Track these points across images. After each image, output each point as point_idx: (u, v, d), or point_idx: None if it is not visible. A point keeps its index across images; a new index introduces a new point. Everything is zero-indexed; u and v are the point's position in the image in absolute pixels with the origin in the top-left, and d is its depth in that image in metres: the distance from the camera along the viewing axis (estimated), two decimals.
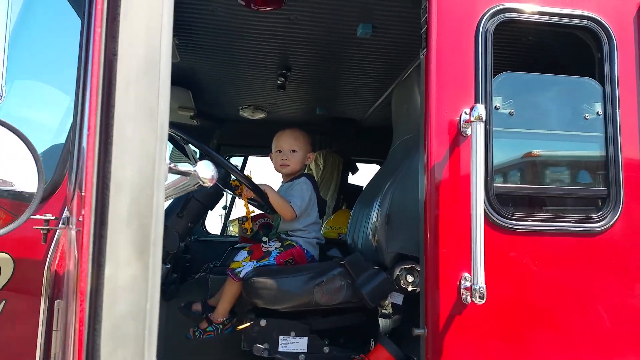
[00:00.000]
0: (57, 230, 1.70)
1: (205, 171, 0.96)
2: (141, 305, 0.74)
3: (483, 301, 1.59)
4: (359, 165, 4.45)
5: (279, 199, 2.28)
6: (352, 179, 4.35)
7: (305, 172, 2.68)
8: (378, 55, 2.84)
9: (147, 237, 0.75)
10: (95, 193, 0.74)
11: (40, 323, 1.60)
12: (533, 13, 1.83)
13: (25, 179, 1.22)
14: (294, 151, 2.50)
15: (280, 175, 2.60)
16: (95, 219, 0.74)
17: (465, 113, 1.71)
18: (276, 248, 2.24)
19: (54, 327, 1.59)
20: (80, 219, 0.83)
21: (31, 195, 1.18)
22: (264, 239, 2.31)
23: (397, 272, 1.96)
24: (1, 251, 1.69)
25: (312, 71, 3.16)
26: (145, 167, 0.75)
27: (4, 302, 1.68)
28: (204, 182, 0.95)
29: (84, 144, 0.92)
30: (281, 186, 2.52)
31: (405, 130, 2.45)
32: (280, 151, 2.53)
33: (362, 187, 4.50)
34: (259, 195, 2.27)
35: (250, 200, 2.57)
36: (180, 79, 3.27)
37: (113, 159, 0.74)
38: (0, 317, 1.67)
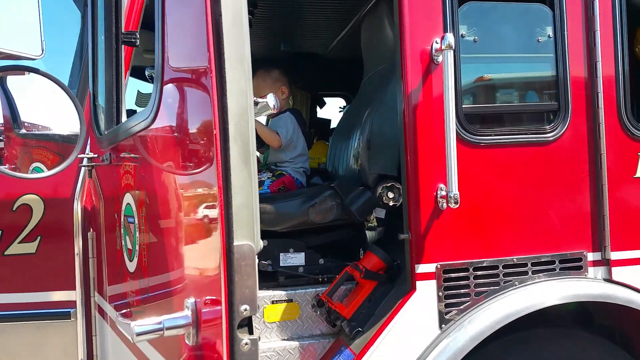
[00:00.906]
0: (82, 171, 1.85)
1: (271, 101, 1.22)
2: (249, 199, 0.99)
3: (457, 206, 1.89)
4: (326, 99, 4.64)
5: (266, 129, 2.49)
6: (320, 113, 4.55)
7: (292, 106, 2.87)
8: None
9: (247, 151, 0.97)
10: (220, 122, 0.95)
11: (76, 253, 1.81)
12: None
13: (63, 124, 1.37)
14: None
15: None
16: (221, 140, 0.96)
17: (437, 42, 1.94)
18: (268, 178, 2.47)
19: (90, 255, 1.79)
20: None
21: (74, 137, 1.34)
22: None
23: (379, 190, 2.23)
24: (31, 193, 1.84)
25: (276, 6, 3.25)
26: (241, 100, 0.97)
27: (39, 238, 1.86)
28: (271, 109, 1.22)
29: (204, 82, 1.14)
30: (269, 123, 2.72)
31: (377, 61, 2.65)
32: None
33: (330, 120, 4.73)
34: None
35: None
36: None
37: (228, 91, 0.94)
38: (38, 252, 1.86)
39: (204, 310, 1.28)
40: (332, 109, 5.06)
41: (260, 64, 3.74)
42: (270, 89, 2.67)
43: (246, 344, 1.13)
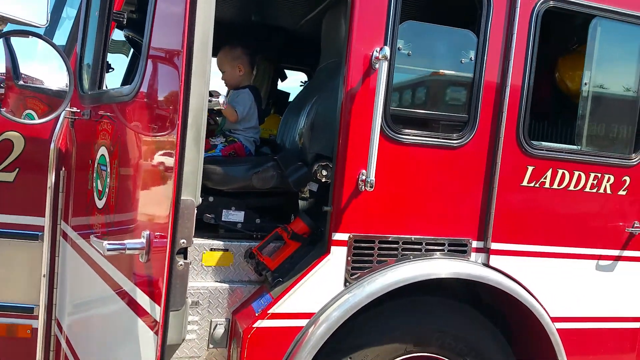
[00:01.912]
0: (61, 118, 2.18)
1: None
2: (195, 168, 1.39)
3: (372, 189, 2.34)
4: (287, 72, 4.96)
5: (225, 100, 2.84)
6: (281, 85, 4.89)
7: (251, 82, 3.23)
8: None
9: (199, 135, 1.36)
10: (182, 113, 1.32)
11: (48, 186, 2.16)
12: None
13: (55, 80, 1.70)
14: (223, 71, 3.05)
15: None
16: (181, 124, 1.34)
17: (376, 51, 2.34)
18: (221, 142, 2.84)
19: (60, 190, 2.15)
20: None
21: (63, 92, 1.68)
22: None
23: (315, 167, 2.64)
24: (14, 130, 2.16)
25: None
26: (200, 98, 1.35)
27: (17, 169, 2.19)
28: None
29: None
30: (230, 94, 3.07)
31: (331, 54, 3.02)
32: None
33: (289, 93, 5.07)
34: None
35: None
36: None
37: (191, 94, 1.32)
38: (15, 181, 2.20)
39: (154, 240, 1.70)
40: (294, 83, 5.41)
41: (231, 29, 4.06)
42: (229, 65, 3.03)
43: (181, 265, 1.59)
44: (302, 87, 4.97)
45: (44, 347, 2.52)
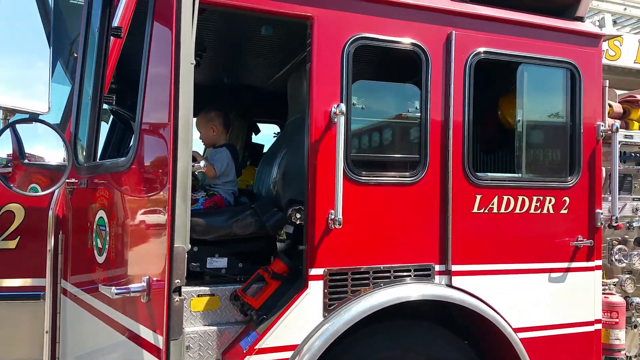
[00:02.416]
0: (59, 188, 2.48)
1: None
2: (184, 221, 1.72)
3: (341, 226, 2.66)
4: (262, 125, 5.36)
5: (204, 160, 3.18)
6: (255, 139, 5.26)
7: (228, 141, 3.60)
8: (275, 45, 3.73)
9: (185, 193, 1.69)
10: (172, 176, 1.65)
11: (48, 250, 2.44)
12: (379, 40, 2.85)
13: (55, 158, 2.02)
14: (200, 132, 3.44)
15: None
16: (172, 186, 1.66)
17: (334, 107, 2.71)
18: (202, 196, 3.15)
19: (59, 251, 2.43)
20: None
21: (62, 167, 2.00)
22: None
23: (289, 211, 2.96)
24: (15, 202, 2.45)
25: (221, 50, 3.97)
26: (185, 164, 1.68)
27: (19, 237, 2.47)
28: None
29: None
30: (210, 152, 3.42)
31: (296, 110, 3.41)
32: None
33: (264, 145, 5.44)
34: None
35: None
36: None
37: (178, 161, 1.66)
38: (17, 248, 2.48)
39: (153, 283, 1.99)
40: (268, 135, 5.79)
41: (207, 91, 4.44)
42: (204, 127, 3.43)
43: (177, 301, 1.90)
44: (274, 138, 5.35)
45: None
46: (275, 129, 5.65)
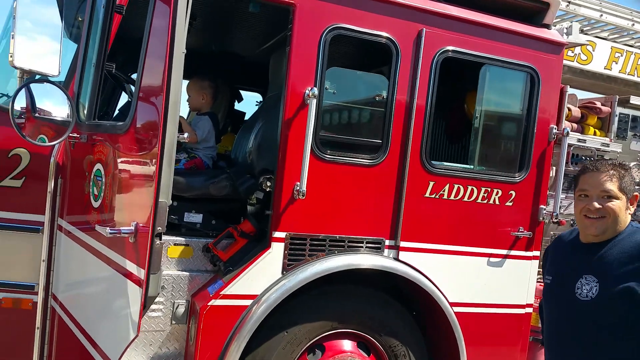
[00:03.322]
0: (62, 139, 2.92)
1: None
2: (168, 181, 2.18)
3: (304, 197, 3.12)
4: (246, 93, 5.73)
5: (189, 128, 3.59)
6: (237, 106, 5.64)
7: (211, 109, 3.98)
8: (263, 20, 4.09)
9: (171, 159, 2.14)
10: (160, 144, 2.10)
11: (48, 191, 2.90)
12: (354, 31, 3.25)
13: (61, 113, 2.46)
14: (189, 95, 3.83)
15: None
16: (160, 152, 2.11)
17: (308, 90, 3.13)
18: (184, 157, 3.58)
19: (57, 193, 2.89)
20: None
21: (67, 122, 2.43)
22: None
23: (261, 179, 3.39)
24: (22, 147, 2.89)
25: (213, 22, 4.32)
26: (172, 136, 2.14)
27: (24, 177, 2.92)
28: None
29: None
30: (194, 117, 3.83)
31: (275, 86, 3.81)
32: None
33: (245, 112, 5.83)
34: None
35: None
36: None
37: (166, 133, 2.10)
38: (22, 187, 2.93)
39: (140, 227, 2.46)
40: (251, 102, 6.16)
41: (195, 55, 4.80)
42: (196, 92, 3.81)
43: (158, 244, 2.36)
44: (257, 106, 5.74)
45: (42, 316, 3.28)
46: (258, 97, 6.02)
